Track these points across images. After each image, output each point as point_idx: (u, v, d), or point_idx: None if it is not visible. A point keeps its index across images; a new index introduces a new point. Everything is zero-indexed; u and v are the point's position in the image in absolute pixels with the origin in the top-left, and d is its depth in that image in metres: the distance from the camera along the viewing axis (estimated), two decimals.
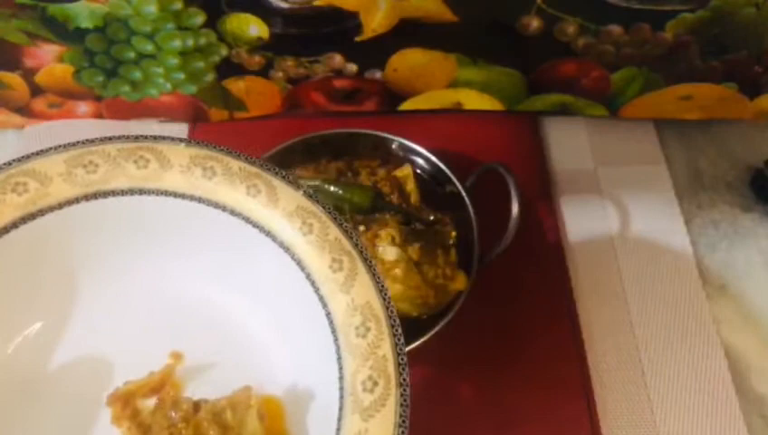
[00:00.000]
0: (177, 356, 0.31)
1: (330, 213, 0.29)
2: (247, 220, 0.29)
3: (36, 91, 0.54)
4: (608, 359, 0.47)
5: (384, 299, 0.27)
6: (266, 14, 0.48)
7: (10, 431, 0.29)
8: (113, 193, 0.30)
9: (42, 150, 0.30)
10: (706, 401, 0.45)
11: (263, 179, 0.29)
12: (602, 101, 0.57)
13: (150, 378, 0.30)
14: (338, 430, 0.26)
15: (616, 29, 0.49)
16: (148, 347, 0.31)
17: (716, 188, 0.56)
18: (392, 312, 0.27)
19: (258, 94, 0.56)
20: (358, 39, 0.50)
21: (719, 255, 0.53)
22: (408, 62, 0.53)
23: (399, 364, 0.26)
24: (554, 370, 0.46)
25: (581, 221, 0.54)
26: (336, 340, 0.27)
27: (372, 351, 0.26)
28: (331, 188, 0.47)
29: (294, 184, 0.29)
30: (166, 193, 0.30)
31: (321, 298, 0.28)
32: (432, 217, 0.47)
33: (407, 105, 0.58)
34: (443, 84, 0.56)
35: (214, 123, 0.59)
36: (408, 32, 0.50)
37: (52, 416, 0.29)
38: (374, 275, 0.28)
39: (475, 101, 0.57)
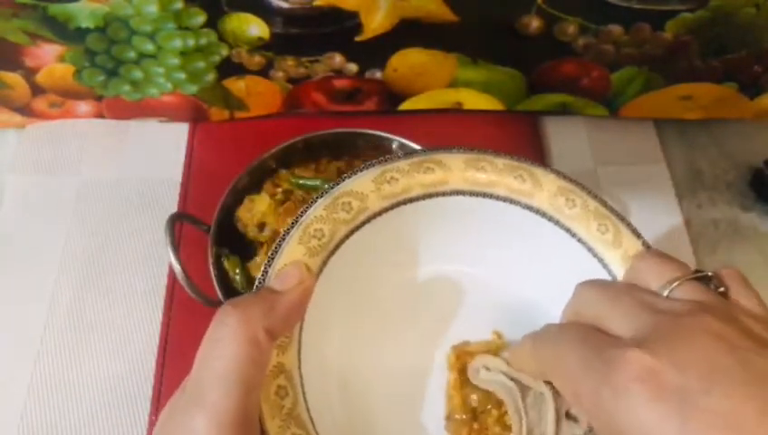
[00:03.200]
0: (498, 335, 0.37)
1: None
2: (591, 251, 0.35)
3: (37, 90, 0.54)
4: None
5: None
6: (267, 13, 0.48)
7: (398, 320, 0.37)
8: (492, 196, 0.36)
9: (442, 149, 0.36)
10: None
11: (611, 222, 0.36)
12: (602, 100, 0.57)
13: (484, 345, 0.36)
14: None
15: (616, 29, 0.49)
16: (475, 320, 0.37)
17: (716, 187, 0.56)
18: None
19: (258, 94, 0.56)
20: (358, 39, 0.50)
21: (719, 255, 0.53)
22: (408, 61, 0.53)
23: None
24: None
25: None
26: None
27: None
28: None
29: (636, 232, 0.35)
30: (530, 208, 0.36)
31: None
32: None
33: (407, 105, 0.58)
34: (443, 84, 0.56)
35: (214, 123, 0.59)
36: (409, 32, 0.50)
37: (412, 335, 0.37)
38: None
39: (475, 100, 0.57)
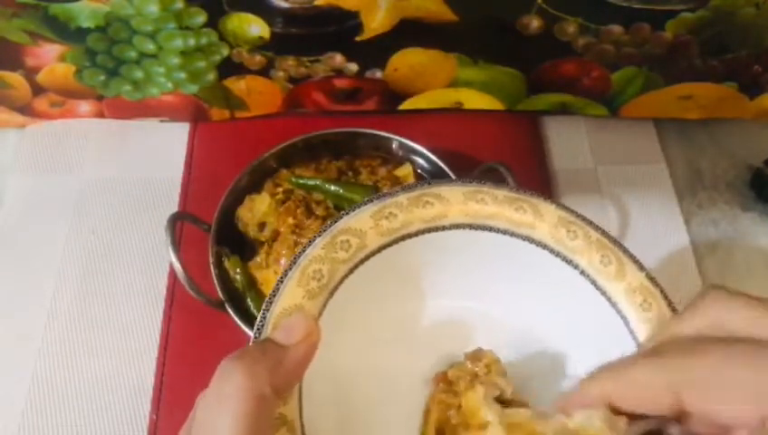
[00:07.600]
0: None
1: (665, 295, 0.35)
2: (594, 284, 0.35)
3: (38, 90, 0.54)
4: None
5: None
6: (267, 13, 0.48)
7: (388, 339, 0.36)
8: (492, 229, 0.35)
9: (440, 182, 0.36)
10: None
11: (614, 253, 0.35)
12: (602, 100, 0.57)
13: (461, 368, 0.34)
14: None
15: (616, 29, 0.49)
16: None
17: (716, 187, 0.56)
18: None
19: (259, 94, 0.56)
20: (358, 39, 0.50)
21: (719, 255, 0.53)
22: (408, 61, 0.53)
23: None
24: None
25: None
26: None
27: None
28: (332, 188, 0.47)
29: (639, 264, 0.35)
30: (531, 240, 0.35)
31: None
32: None
33: (407, 105, 0.58)
34: (443, 84, 0.56)
35: (215, 123, 0.59)
36: (409, 31, 0.50)
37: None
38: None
39: (475, 100, 0.58)
